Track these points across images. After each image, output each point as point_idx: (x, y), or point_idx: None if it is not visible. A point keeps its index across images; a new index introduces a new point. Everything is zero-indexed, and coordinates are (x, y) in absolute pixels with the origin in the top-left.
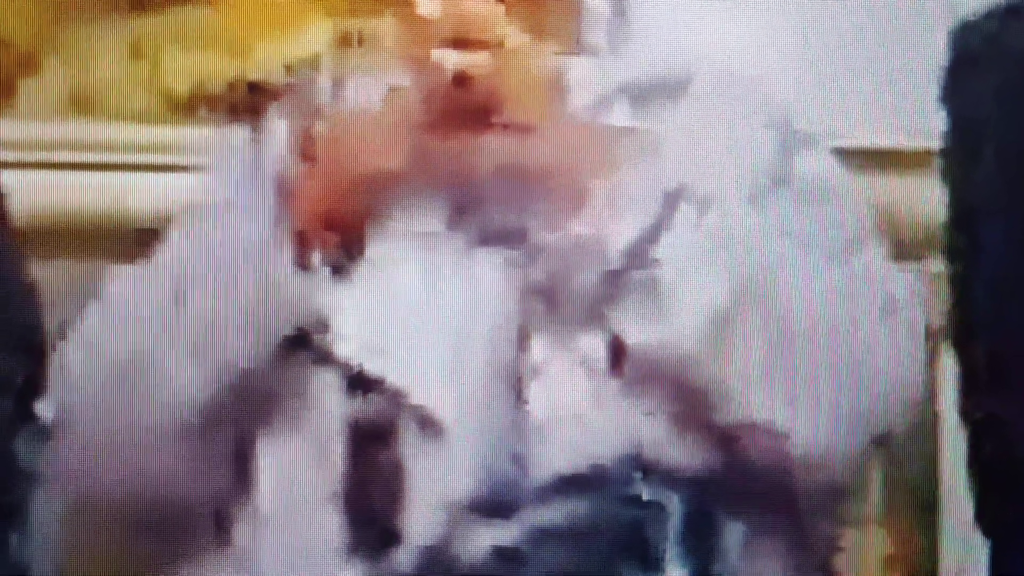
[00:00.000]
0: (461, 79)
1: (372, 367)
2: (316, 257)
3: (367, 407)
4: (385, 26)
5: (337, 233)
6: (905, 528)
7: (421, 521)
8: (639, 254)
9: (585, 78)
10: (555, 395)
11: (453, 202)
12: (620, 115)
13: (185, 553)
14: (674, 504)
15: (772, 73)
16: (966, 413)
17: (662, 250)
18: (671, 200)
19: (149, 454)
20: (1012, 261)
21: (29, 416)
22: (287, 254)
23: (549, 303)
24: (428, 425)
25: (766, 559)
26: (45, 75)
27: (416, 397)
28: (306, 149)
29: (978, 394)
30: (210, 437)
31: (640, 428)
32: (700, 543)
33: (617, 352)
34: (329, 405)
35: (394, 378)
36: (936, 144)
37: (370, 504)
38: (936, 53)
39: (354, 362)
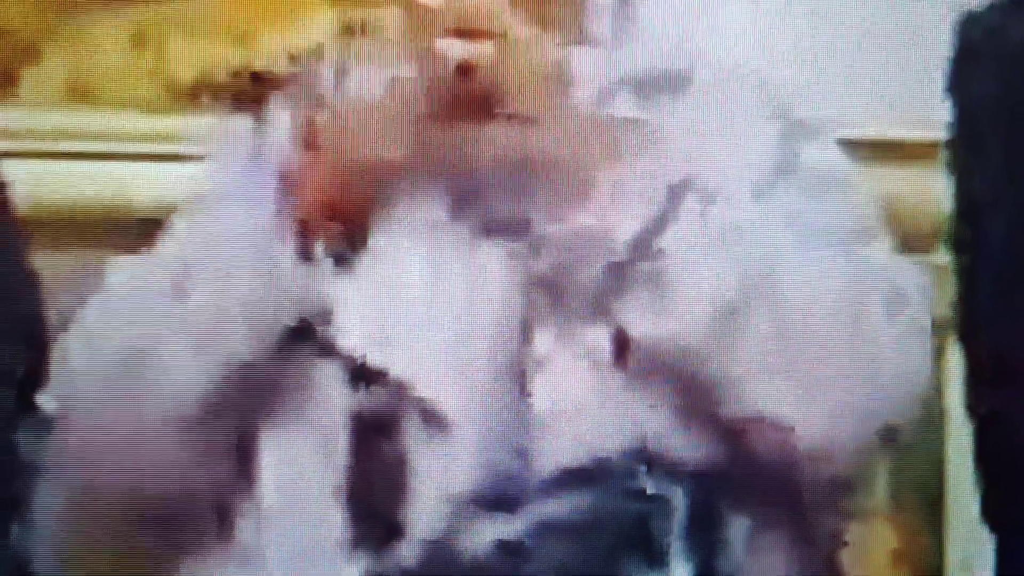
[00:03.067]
0: (465, 69)
1: (375, 359)
2: (319, 247)
3: (370, 400)
4: (389, 16)
5: (340, 223)
6: (911, 523)
7: (424, 515)
8: (644, 246)
9: (589, 69)
10: (559, 388)
11: (456, 193)
12: (624, 106)
13: (187, 546)
14: (679, 498)
15: (777, 64)
16: (972, 407)
17: (667, 242)
18: (676, 192)
19: (151, 446)
20: (1018, 253)
21: (30, 407)
22: (290, 244)
23: (553, 295)
24: (431, 418)
25: (771, 553)
26: (47, 64)
27: (420, 390)
28: (309, 139)
29: (984, 388)
30: (212, 429)
31: (645, 421)
32: (705, 537)
33: (621, 345)
34: (332, 397)
35: (397, 370)
36: (941, 136)
37: (373, 498)
38: (941, 44)
39: (357, 354)
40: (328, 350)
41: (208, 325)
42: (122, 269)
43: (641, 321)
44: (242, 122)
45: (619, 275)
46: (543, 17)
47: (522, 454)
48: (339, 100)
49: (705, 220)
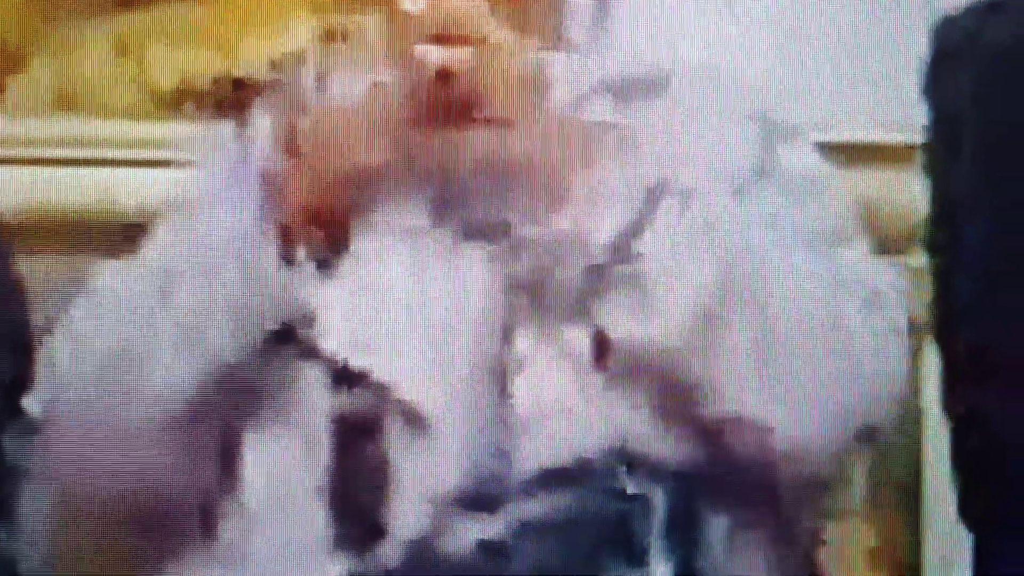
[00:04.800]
0: (444, 75)
1: (357, 361)
2: (301, 252)
3: (352, 401)
4: (369, 22)
5: (322, 228)
6: (889, 522)
7: (406, 515)
8: (622, 248)
9: (567, 73)
10: (540, 389)
11: (437, 197)
12: (602, 110)
13: (171, 547)
14: (659, 498)
15: (754, 67)
16: (949, 407)
17: (645, 244)
18: (654, 194)
19: (136, 448)
20: (993, 254)
21: (16, 411)
22: (272, 249)
23: (533, 297)
24: (413, 419)
25: (750, 552)
26: (33, 72)
27: (401, 391)
28: (291, 144)
29: (961, 388)
30: (196, 431)
31: (625, 422)
32: (684, 537)
33: (601, 346)
34: (314, 400)
35: (379, 373)
36: (918, 138)
37: (355, 498)
38: (918, 48)
39: (339, 356)
40: (310, 353)
41: (192, 328)
42: (107, 273)
43: (620, 323)
44: (224, 128)
45: (598, 277)
46: (521, 22)
47: (503, 454)
48: (320, 106)
49: (683, 222)
